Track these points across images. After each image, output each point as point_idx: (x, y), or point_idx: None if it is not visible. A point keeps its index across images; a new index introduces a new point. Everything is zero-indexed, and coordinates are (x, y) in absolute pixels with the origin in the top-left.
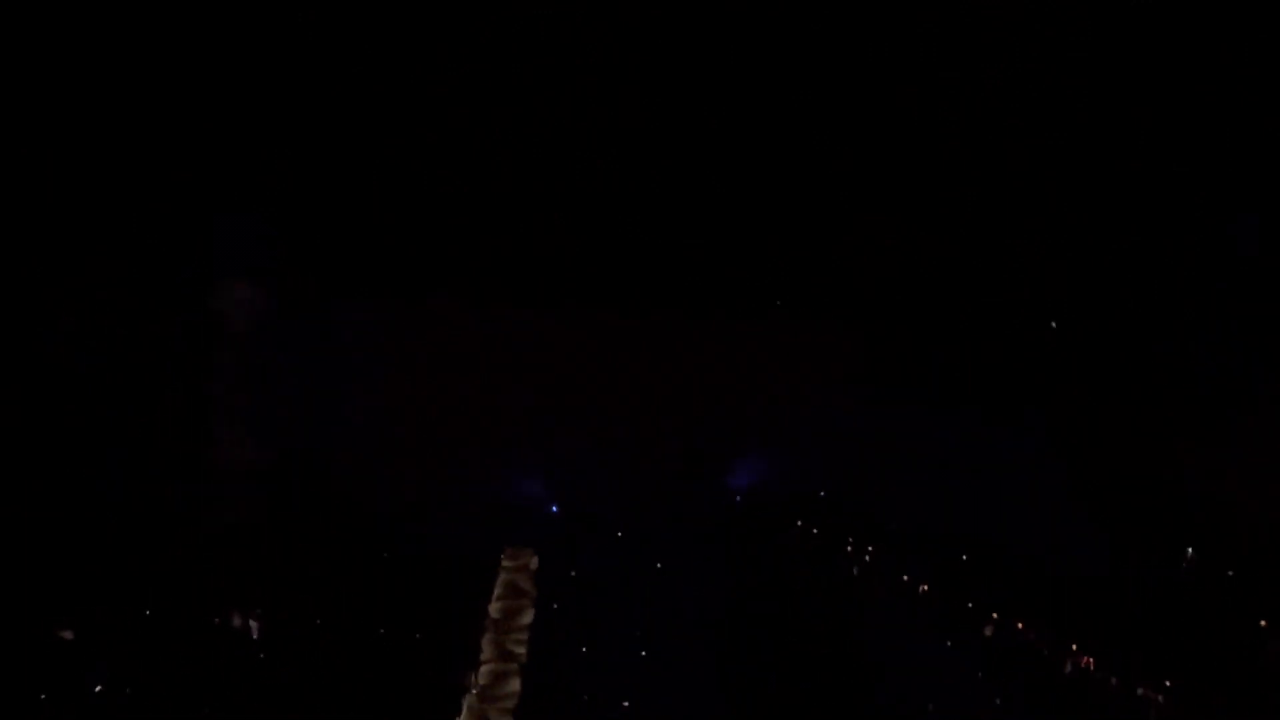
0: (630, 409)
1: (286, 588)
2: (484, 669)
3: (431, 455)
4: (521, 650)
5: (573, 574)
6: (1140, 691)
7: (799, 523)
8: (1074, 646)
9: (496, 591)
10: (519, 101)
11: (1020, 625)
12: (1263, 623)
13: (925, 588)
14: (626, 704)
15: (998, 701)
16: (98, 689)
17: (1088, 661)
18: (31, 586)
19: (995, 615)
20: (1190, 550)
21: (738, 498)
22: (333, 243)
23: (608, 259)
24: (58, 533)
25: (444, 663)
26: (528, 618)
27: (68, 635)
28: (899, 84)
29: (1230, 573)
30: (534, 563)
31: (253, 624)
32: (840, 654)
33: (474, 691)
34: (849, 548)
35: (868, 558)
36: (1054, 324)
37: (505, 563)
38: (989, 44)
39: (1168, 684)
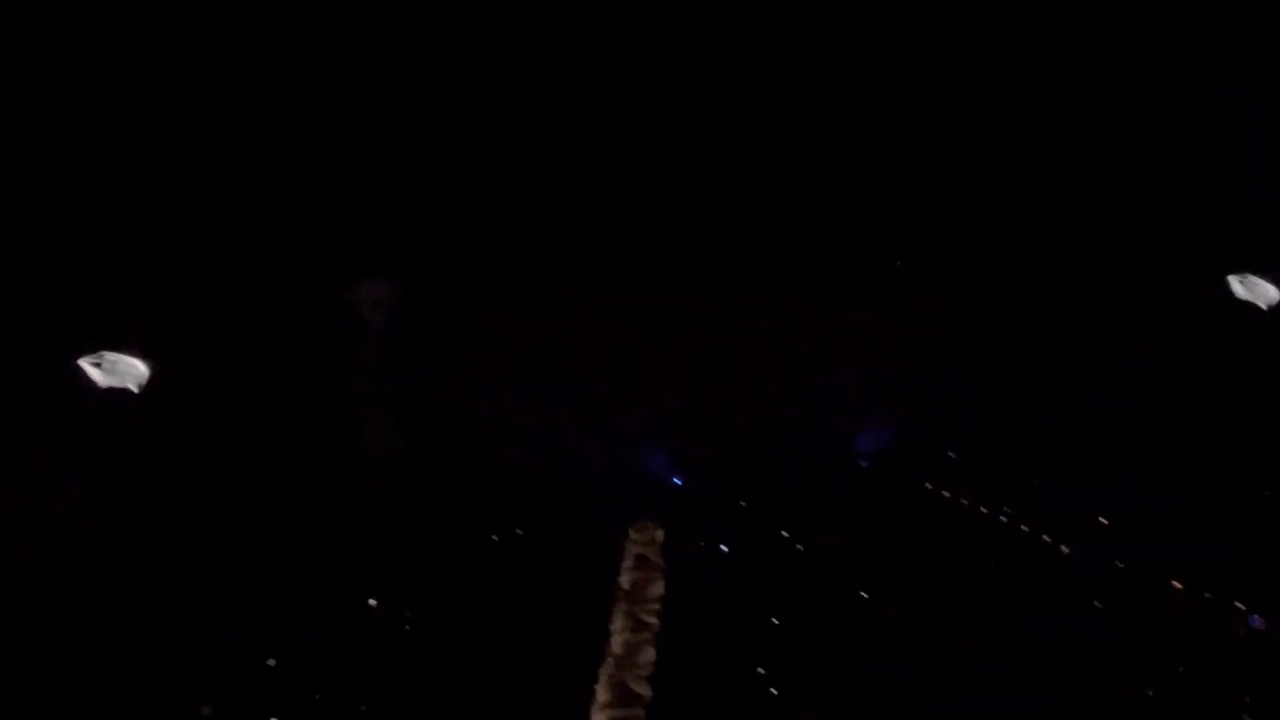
0: (750, 377)
1: (431, 568)
2: (617, 639)
3: (558, 434)
4: (654, 620)
5: (700, 544)
6: None
7: (927, 485)
8: (1239, 605)
9: (626, 564)
10: (614, 75)
11: (1176, 585)
12: None
13: (1065, 549)
14: (761, 670)
15: (1152, 667)
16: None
17: (1253, 619)
18: (183, 580)
19: (1142, 575)
20: None
21: (863, 463)
22: (457, 235)
23: (722, 231)
24: (205, 527)
25: (580, 633)
26: (658, 589)
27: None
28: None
29: None
30: (660, 535)
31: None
32: (977, 620)
33: (610, 660)
34: (982, 510)
35: (1003, 519)
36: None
37: (633, 535)
38: None
39: None
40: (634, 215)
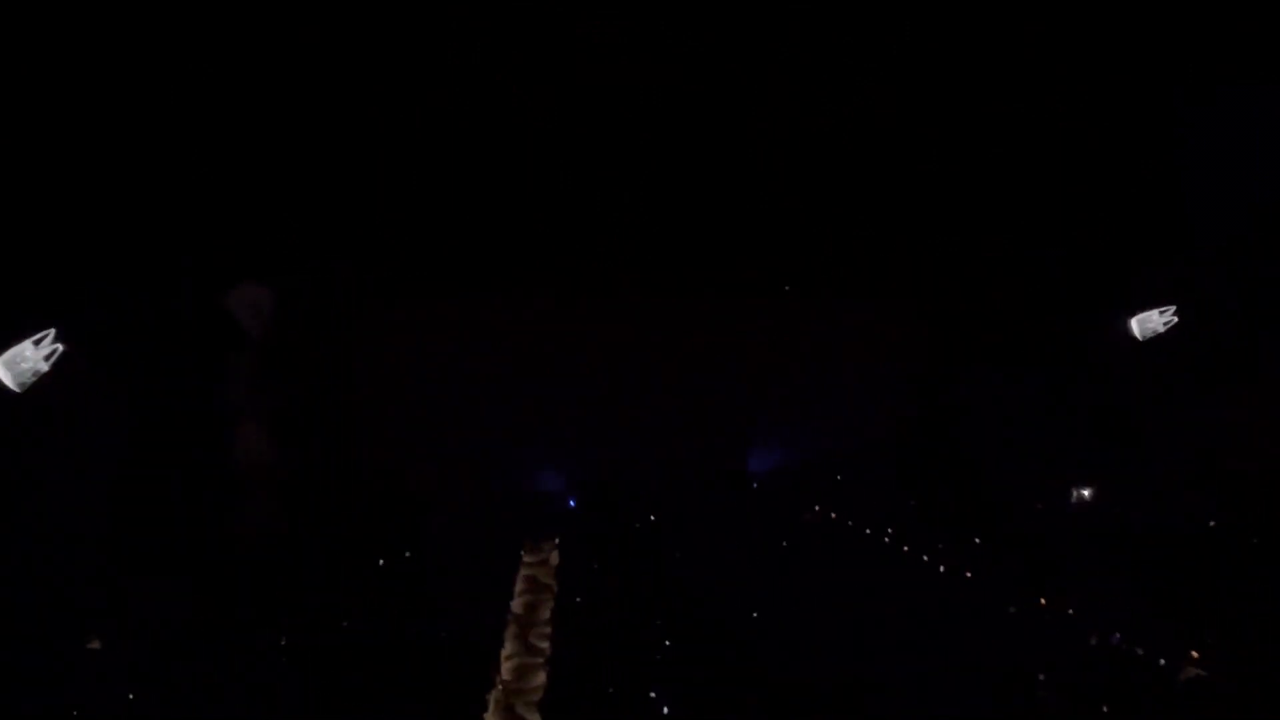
0: (645, 399)
1: (311, 588)
2: (508, 664)
3: (450, 452)
4: (545, 644)
5: (594, 566)
6: (1163, 661)
7: (816, 507)
8: (1100, 621)
9: (518, 587)
10: (539, 92)
11: (1043, 601)
12: None
13: (943, 568)
14: (652, 694)
15: (1025, 678)
16: (122, 692)
17: (1114, 635)
18: (59, 591)
19: (1018, 592)
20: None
21: (755, 484)
22: (350, 244)
23: (623, 251)
24: (85, 539)
25: (469, 658)
26: (549, 612)
27: (95, 645)
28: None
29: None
30: (554, 557)
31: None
32: (862, 637)
33: (499, 686)
34: (867, 531)
35: (886, 540)
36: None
37: (526, 558)
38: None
39: (1194, 654)
40: (539, 229)
